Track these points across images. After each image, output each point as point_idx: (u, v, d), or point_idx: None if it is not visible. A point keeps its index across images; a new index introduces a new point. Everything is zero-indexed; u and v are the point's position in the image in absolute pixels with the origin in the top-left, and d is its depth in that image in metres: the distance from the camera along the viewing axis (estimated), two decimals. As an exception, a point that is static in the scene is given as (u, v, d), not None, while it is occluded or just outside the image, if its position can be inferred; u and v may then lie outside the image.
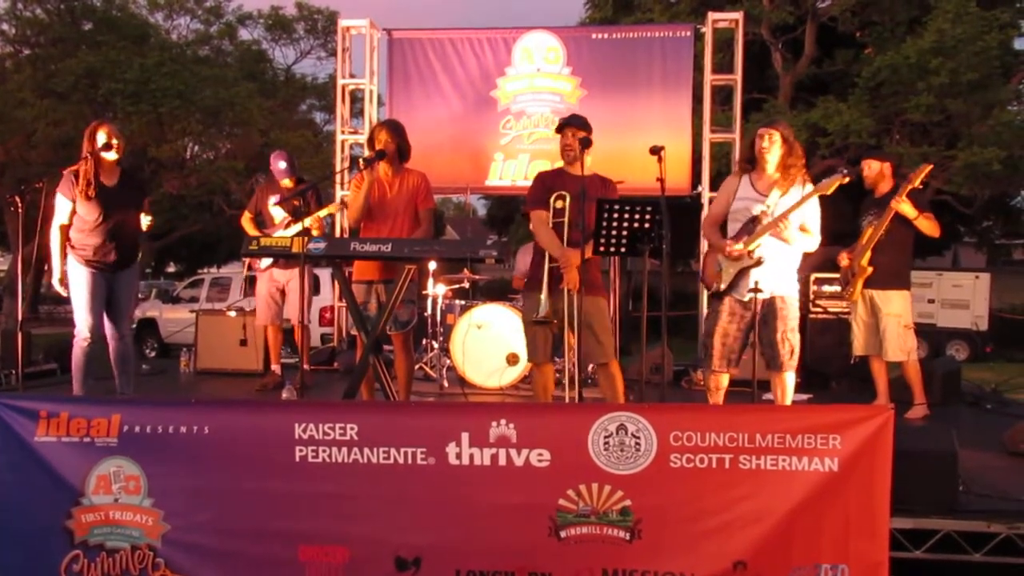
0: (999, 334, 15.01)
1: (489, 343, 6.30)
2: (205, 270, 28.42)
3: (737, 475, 3.20)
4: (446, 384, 6.56)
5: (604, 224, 4.01)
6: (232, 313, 7.33)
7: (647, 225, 3.98)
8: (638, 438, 3.23)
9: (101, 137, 4.94)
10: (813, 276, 7.35)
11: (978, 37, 11.37)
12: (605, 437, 3.23)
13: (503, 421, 3.29)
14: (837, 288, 7.12)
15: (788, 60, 15.66)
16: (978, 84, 11.67)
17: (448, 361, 6.63)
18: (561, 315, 4.43)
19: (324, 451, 3.35)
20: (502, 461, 3.28)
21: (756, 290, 4.24)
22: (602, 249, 4.10)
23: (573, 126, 4.52)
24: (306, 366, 6.49)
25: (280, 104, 18.15)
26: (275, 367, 6.60)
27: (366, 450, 3.33)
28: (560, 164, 4.78)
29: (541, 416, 3.43)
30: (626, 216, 3.99)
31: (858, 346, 5.69)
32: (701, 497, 3.22)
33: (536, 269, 4.62)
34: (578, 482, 3.25)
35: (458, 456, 3.30)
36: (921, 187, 5.22)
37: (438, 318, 6.79)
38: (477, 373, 6.31)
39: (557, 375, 5.14)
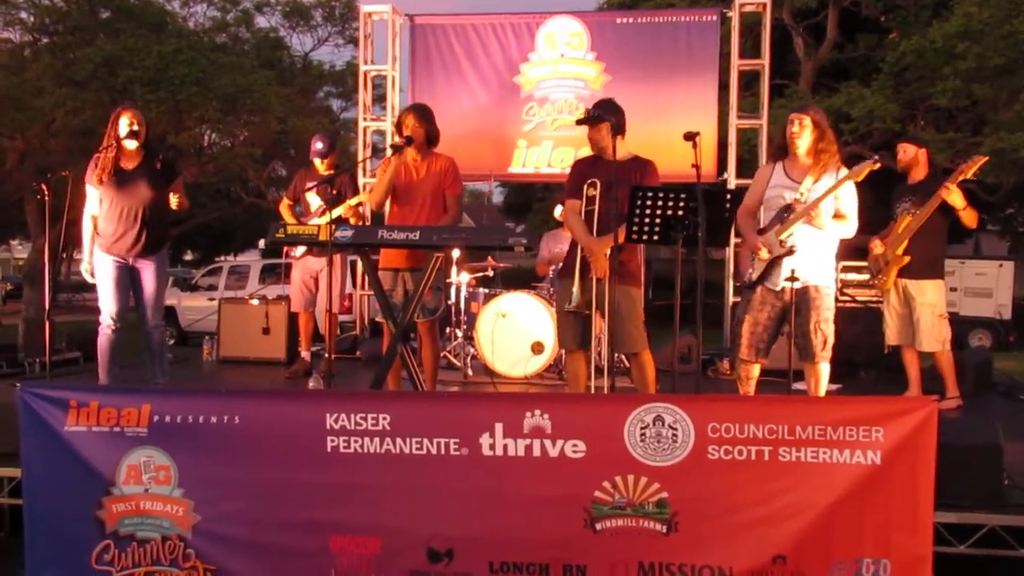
0: (1020, 322, 14.83)
1: (514, 332, 6.25)
2: (222, 258, 28.48)
3: (777, 468, 3.13)
4: (470, 372, 6.53)
5: (637, 211, 3.93)
6: (255, 301, 7.31)
7: (680, 212, 3.90)
8: (675, 429, 3.17)
9: (123, 123, 4.91)
10: (841, 264, 7.26)
11: (1006, 21, 11.15)
12: (642, 428, 3.18)
13: (538, 411, 3.24)
14: (865, 276, 7.05)
15: (810, 45, 15.47)
16: (1005, 69, 11.47)
17: (472, 350, 6.59)
18: (593, 303, 4.36)
19: (356, 441, 3.30)
20: (536, 452, 3.23)
21: (792, 279, 4.18)
22: (635, 236, 4.02)
23: (588, 123, 4.45)
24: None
25: (297, 92, 18.07)
26: (305, 354, 6.57)
27: (398, 440, 3.29)
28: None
29: (576, 406, 3.38)
30: (659, 203, 3.91)
31: (891, 336, 5.59)
32: (739, 490, 3.16)
33: (569, 257, 4.58)
34: (614, 474, 3.20)
35: (492, 447, 3.25)
36: (974, 178, 5.11)
37: (462, 306, 6.74)
38: (502, 362, 6.27)
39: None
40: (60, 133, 14.83)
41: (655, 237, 4.01)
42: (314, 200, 6.31)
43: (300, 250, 6.33)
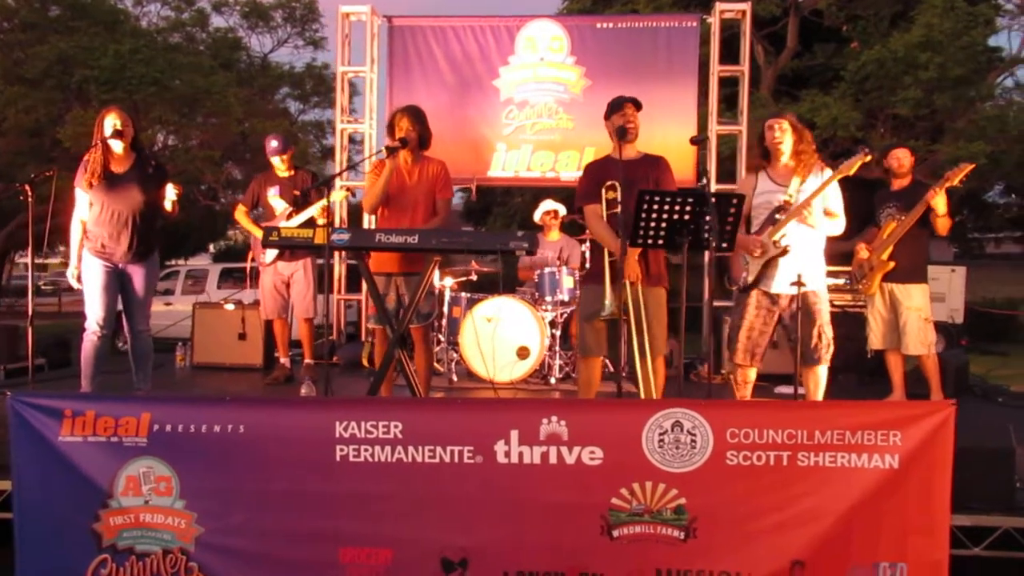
0: (971, 327, 15.18)
1: (499, 337, 6.18)
2: (173, 262, 27.92)
3: (795, 473, 3.14)
4: (455, 378, 6.45)
5: (644, 215, 3.90)
6: (230, 306, 7.13)
7: (687, 217, 3.88)
8: (694, 435, 3.15)
9: (108, 124, 4.75)
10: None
11: (964, 32, 11.43)
12: (660, 434, 3.15)
13: (554, 418, 3.20)
14: (842, 281, 7.14)
15: (770, 53, 15.69)
16: (964, 79, 11.74)
17: (455, 355, 6.51)
18: (625, 309, 4.25)
19: (367, 450, 3.23)
20: (553, 459, 3.19)
21: (799, 283, 4.19)
22: (640, 241, 3.99)
23: (632, 103, 4.41)
24: (309, 360, 6.37)
25: (256, 93, 17.78)
26: (284, 360, 6.45)
27: (411, 449, 3.22)
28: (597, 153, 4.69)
29: (594, 413, 3.33)
30: (666, 207, 3.88)
31: (875, 340, 5.65)
32: (758, 495, 3.15)
33: (596, 263, 4.52)
34: (631, 480, 3.17)
35: (507, 454, 3.20)
36: (961, 185, 5.18)
37: (445, 311, 6.66)
38: (488, 367, 6.18)
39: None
40: (9, 132, 14.39)
41: (660, 241, 3.99)
42: (278, 204, 6.19)
43: (270, 256, 6.20)
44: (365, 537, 3.24)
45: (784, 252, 4.41)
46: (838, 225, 4.52)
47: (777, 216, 4.42)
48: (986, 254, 23.92)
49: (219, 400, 3.54)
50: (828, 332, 4.45)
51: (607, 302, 4.30)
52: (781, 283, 4.44)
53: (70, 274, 4.92)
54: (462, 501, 3.23)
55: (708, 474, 3.15)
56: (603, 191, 4.39)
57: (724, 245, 3.96)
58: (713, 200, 3.82)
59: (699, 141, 3.95)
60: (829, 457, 3.13)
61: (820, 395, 4.48)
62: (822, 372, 4.48)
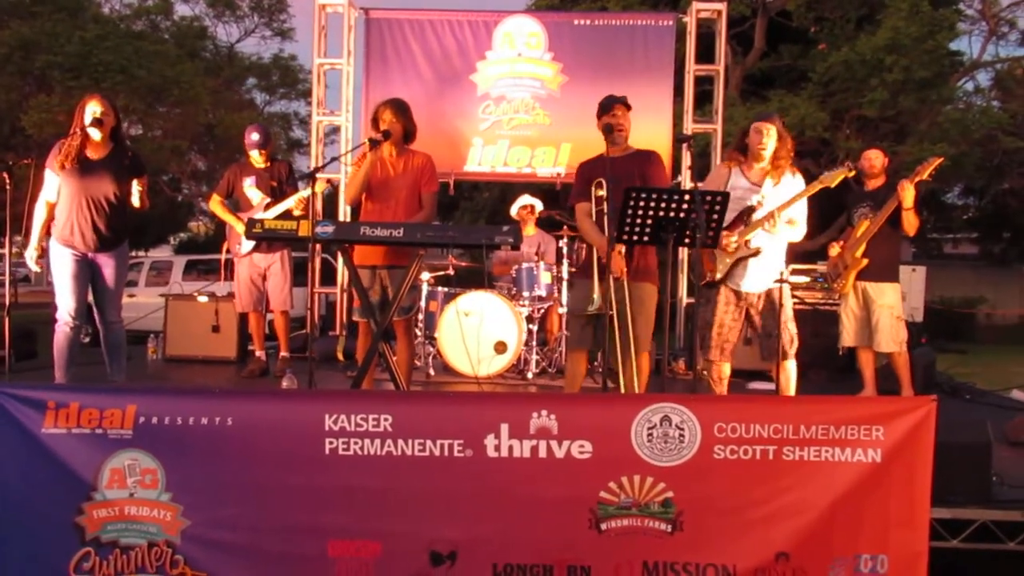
0: (930, 325, 15.51)
1: (476, 331, 6.18)
2: (134, 254, 27.51)
3: (781, 466, 3.18)
4: (432, 372, 6.45)
5: (630, 211, 3.93)
6: (203, 298, 7.05)
7: (672, 213, 3.92)
8: (682, 429, 3.19)
9: (89, 111, 4.68)
10: (790, 267, 7.44)
11: (930, 36, 11.66)
12: (649, 428, 3.19)
13: (544, 412, 3.22)
14: (810, 279, 7.27)
15: (738, 53, 15.84)
16: (928, 82, 11.97)
17: (432, 349, 6.51)
18: (611, 304, 4.30)
19: (356, 443, 3.22)
20: (542, 453, 3.21)
21: (782, 280, 4.26)
22: (625, 237, 4.03)
23: (622, 103, 4.43)
24: (285, 353, 6.33)
25: (222, 83, 17.59)
26: (260, 353, 6.39)
27: (400, 442, 3.22)
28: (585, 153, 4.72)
29: (583, 407, 3.36)
30: (652, 203, 3.92)
31: (847, 337, 5.74)
32: (744, 489, 3.20)
33: (586, 259, 4.57)
34: (620, 474, 3.20)
35: (497, 448, 3.21)
36: (930, 179, 5.29)
37: (421, 305, 6.65)
38: (465, 362, 6.19)
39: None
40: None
41: (645, 238, 4.02)
42: (255, 194, 6.14)
43: (246, 247, 6.14)
44: (354, 530, 3.23)
45: (756, 253, 4.49)
46: (799, 232, 4.60)
47: (747, 217, 4.49)
48: (944, 254, 24.37)
49: (207, 392, 3.51)
50: (792, 327, 4.57)
51: (594, 296, 4.35)
52: (750, 282, 4.54)
53: (29, 255, 4.80)
54: (451, 494, 3.23)
55: (695, 468, 3.18)
56: (592, 188, 4.43)
57: (709, 241, 4.02)
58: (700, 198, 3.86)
59: (685, 140, 3.96)
60: (814, 451, 3.18)
61: (792, 389, 4.56)
62: (791, 366, 4.58)
